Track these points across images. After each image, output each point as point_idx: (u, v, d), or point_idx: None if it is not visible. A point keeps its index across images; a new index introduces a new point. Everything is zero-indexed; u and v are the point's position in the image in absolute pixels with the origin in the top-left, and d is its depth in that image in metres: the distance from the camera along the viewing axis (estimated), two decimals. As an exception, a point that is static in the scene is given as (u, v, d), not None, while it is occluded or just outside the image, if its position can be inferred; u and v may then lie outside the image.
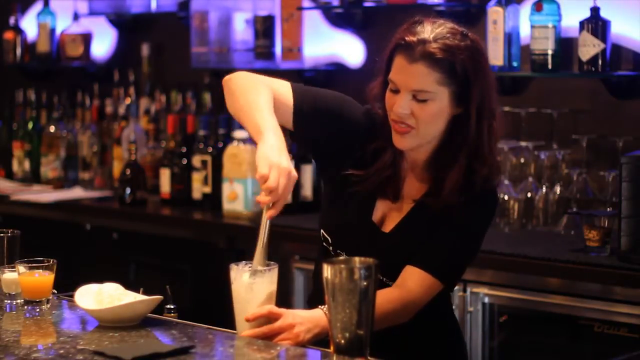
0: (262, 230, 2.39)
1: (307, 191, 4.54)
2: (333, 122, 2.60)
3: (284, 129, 2.49)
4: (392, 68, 2.52)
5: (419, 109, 2.48)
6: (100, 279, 2.55)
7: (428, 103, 2.48)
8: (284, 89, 2.61)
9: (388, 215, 2.61)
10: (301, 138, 2.67)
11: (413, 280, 2.50)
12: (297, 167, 4.50)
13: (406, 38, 2.49)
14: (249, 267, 2.39)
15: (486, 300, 3.66)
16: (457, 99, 2.50)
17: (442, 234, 2.54)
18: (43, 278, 2.62)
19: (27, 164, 5.56)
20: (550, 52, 3.88)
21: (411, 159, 2.60)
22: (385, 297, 2.44)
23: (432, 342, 2.66)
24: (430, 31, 2.48)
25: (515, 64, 4.00)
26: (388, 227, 2.60)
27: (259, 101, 2.48)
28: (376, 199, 2.62)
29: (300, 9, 4.64)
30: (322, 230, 2.66)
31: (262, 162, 2.34)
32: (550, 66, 3.89)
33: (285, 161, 2.35)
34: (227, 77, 2.62)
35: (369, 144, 2.60)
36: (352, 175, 2.60)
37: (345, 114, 2.61)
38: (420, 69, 2.46)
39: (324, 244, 2.64)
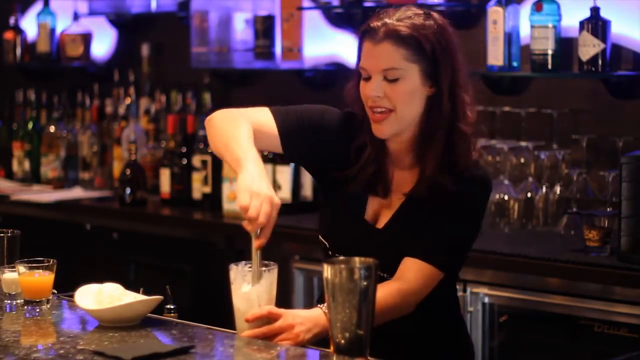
0: (254, 260, 2.39)
1: (307, 191, 4.54)
2: (317, 135, 2.63)
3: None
4: (361, 57, 2.54)
5: (391, 90, 2.49)
6: (100, 279, 2.55)
7: (399, 82, 2.49)
8: (265, 116, 2.62)
9: (380, 211, 2.62)
10: (292, 158, 2.74)
11: (412, 271, 2.50)
12: (297, 167, 4.51)
13: (370, 24, 2.54)
14: (249, 267, 2.39)
15: (486, 300, 3.66)
16: (428, 77, 2.51)
17: (437, 223, 2.53)
18: (43, 278, 2.62)
19: (27, 164, 5.56)
20: (550, 52, 3.88)
21: (393, 151, 2.60)
22: (385, 290, 2.43)
23: (437, 342, 2.65)
24: (393, 15, 2.53)
25: (515, 64, 4.00)
26: (381, 223, 2.61)
27: (238, 134, 2.50)
28: (367, 197, 2.62)
29: (300, 9, 4.64)
30: (319, 236, 2.68)
31: (242, 192, 2.36)
32: (550, 66, 3.89)
33: (265, 188, 2.36)
34: (208, 118, 2.65)
35: (351, 144, 2.62)
36: (339, 176, 2.62)
37: (326, 124, 2.64)
38: (386, 47, 2.49)
39: (325, 249, 2.66)
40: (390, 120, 2.52)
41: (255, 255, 2.38)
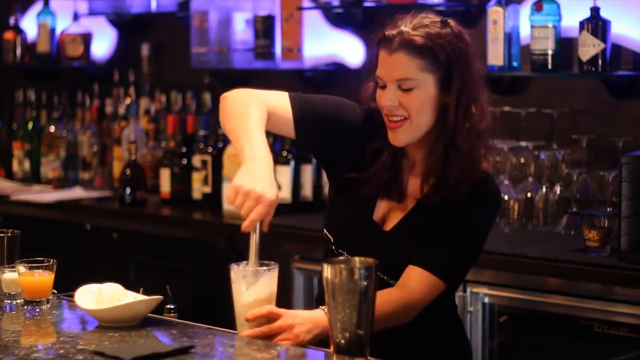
0: (252, 256, 2.40)
1: (307, 191, 4.54)
2: (333, 127, 2.62)
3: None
4: (378, 65, 2.54)
5: (406, 99, 2.49)
6: (100, 279, 2.55)
7: (414, 91, 2.49)
8: (282, 101, 2.61)
9: (390, 213, 2.62)
10: (304, 145, 2.72)
11: (415, 281, 2.50)
12: (297, 167, 4.51)
13: (386, 32, 2.52)
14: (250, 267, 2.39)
15: (486, 300, 3.66)
16: (444, 86, 2.50)
17: (445, 233, 2.54)
18: (43, 278, 2.62)
19: (27, 164, 5.56)
20: (550, 52, 3.88)
21: (411, 157, 2.60)
22: (387, 298, 2.44)
23: (435, 342, 2.66)
24: (409, 23, 2.51)
25: (515, 64, 4.00)
26: (389, 226, 2.61)
27: (248, 119, 2.49)
28: (377, 198, 2.62)
29: (300, 9, 4.64)
30: (325, 230, 2.67)
31: (231, 191, 2.39)
32: (550, 66, 3.89)
33: (259, 187, 2.36)
34: (223, 96, 2.63)
35: (368, 144, 2.62)
36: (354, 177, 2.61)
37: (344, 118, 2.63)
38: (400, 57, 2.48)
39: (328, 243, 2.65)
40: (406, 128, 2.51)
41: (253, 252, 2.38)
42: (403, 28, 2.50)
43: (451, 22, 2.53)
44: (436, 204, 2.55)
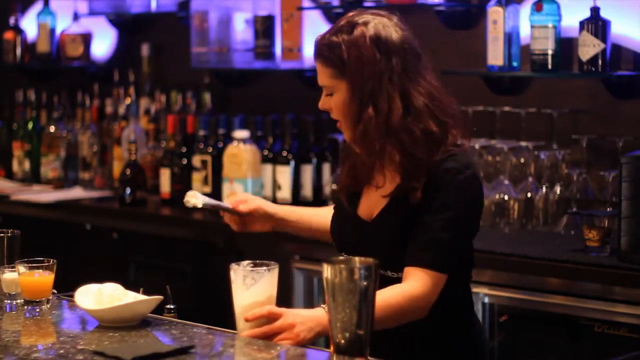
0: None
1: (307, 191, 4.54)
2: None
3: None
4: None
5: (331, 103, 2.62)
6: (100, 279, 2.55)
7: (334, 96, 2.61)
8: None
9: (375, 205, 2.64)
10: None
11: (414, 279, 2.49)
12: (297, 167, 4.52)
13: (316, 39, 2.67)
14: (251, 267, 2.40)
15: (486, 300, 3.65)
16: (356, 89, 2.57)
17: (426, 225, 2.52)
18: (43, 278, 2.62)
19: (27, 164, 5.56)
20: (550, 52, 3.88)
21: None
22: (390, 292, 2.45)
23: (450, 344, 2.64)
24: (332, 29, 2.61)
25: (515, 64, 4.00)
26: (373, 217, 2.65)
27: None
28: (360, 195, 2.67)
29: (300, 9, 4.64)
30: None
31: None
32: (550, 66, 3.89)
33: None
34: None
35: None
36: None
37: None
38: (318, 66, 2.62)
39: (334, 247, 2.75)
40: (343, 128, 2.63)
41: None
42: (319, 38, 2.61)
43: (360, 25, 2.54)
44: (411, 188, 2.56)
